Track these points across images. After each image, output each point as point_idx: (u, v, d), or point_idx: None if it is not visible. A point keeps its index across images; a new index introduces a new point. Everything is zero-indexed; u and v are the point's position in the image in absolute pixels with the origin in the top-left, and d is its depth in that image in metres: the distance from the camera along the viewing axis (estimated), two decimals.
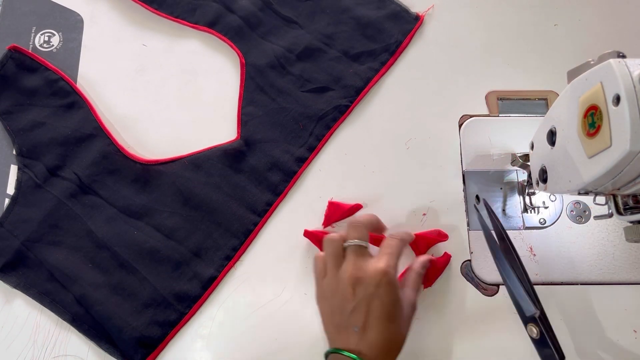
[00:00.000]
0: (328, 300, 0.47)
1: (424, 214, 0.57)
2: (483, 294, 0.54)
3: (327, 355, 0.45)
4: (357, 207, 0.57)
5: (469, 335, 0.53)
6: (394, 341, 0.44)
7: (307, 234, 0.55)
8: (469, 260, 0.55)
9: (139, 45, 0.66)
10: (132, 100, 0.63)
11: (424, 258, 0.52)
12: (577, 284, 0.54)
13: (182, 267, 0.55)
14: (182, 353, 0.53)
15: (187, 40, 0.66)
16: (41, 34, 0.65)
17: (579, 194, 0.42)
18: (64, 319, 0.53)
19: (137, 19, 0.67)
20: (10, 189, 0.58)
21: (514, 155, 0.57)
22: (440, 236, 0.55)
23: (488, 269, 0.55)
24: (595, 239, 0.56)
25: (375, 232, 0.54)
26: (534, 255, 0.55)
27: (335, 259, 0.47)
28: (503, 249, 0.49)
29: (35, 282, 0.54)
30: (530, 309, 0.45)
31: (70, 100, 0.61)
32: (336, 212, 0.56)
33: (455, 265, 0.55)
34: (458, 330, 0.53)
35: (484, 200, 0.51)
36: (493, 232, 0.51)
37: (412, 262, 0.52)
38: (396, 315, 0.45)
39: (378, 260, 0.46)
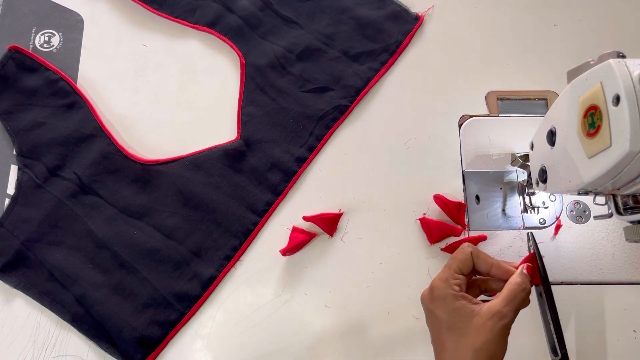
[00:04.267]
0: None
1: (424, 214, 0.57)
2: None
3: None
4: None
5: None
6: (458, 353, 0.41)
7: (307, 218, 0.56)
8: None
9: (139, 45, 0.66)
10: (132, 100, 0.63)
11: (522, 269, 0.45)
12: (577, 284, 0.54)
13: (182, 267, 0.55)
14: (182, 353, 0.53)
15: (187, 40, 0.66)
16: (41, 34, 0.65)
17: (579, 194, 0.42)
18: (64, 319, 0.53)
19: (137, 19, 0.67)
20: (10, 189, 0.58)
21: (514, 155, 0.57)
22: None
23: None
24: (595, 239, 0.56)
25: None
26: None
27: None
28: (544, 285, 0.49)
29: (35, 282, 0.54)
30: (556, 350, 0.46)
31: (70, 100, 0.61)
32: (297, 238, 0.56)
33: None
34: None
35: (531, 233, 0.50)
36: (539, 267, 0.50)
37: (513, 276, 0.45)
38: (456, 326, 0.42)
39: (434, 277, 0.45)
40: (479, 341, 0.41)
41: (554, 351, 0.46)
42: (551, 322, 0.47)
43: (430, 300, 0.44)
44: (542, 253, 0.55)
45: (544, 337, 0.48)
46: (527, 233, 0.50)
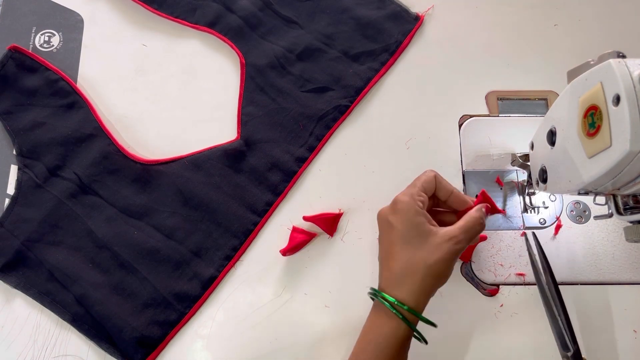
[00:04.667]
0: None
1: None
2: (483, 294, 0.54)
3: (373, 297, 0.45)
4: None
5: (469, 335, 0.53)
6: (412, 264, 0.43)
7: (307, 218, 0.56)
8: (470, 261, 0.55)
9: (139, 45, 0.66)
10: (132, 100, 0.63)
11: (481, 206, 0.47)
12: (577, 284, 0.54)
13: (182, 267, 0.55)
14: (182, 353, 0.53)
15: (187, 40, 0.66)
16: (41, 34, 0.65)
17: (579, 194, 0.42)
18: (64, 319, 0.53)
19: (137, 19, 0.67)
20: (10, 189, 0.58)
21: (514, 155, 0.57)
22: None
23: (488, 270, 0.55)
24: (595, 239, 0.56)
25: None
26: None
27: None
28: (548, 282, 0.49)
29: (35, 282, 0.54)
30: (567, 346, 0.46)
31: (70, 100, 0.61)
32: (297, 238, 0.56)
33: (455, 265, 0.55)
34: (458, 331, 0.53)
35: (533, 233, 0.51)
36: (539, 265, 0.51)
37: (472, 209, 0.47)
38: (413, 240, 0.44)
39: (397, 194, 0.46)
40: (433, 258, 0.43)
41: (564, 347, 0.46)
42: (559, 318, 0.47)
43: (392, 212, 0.45)
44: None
45: (551, 335, 0.48)
46: (532, 232, 0.51)
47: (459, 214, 0.48)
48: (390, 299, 0.43)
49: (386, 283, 0.44)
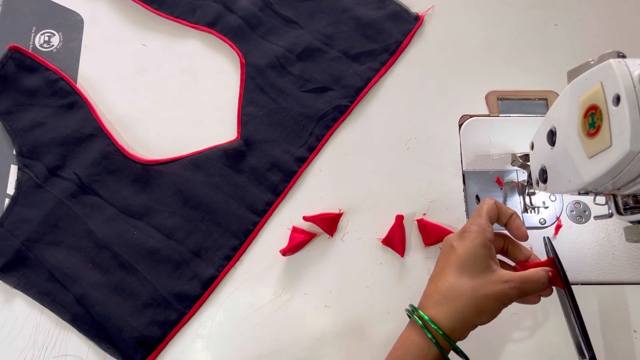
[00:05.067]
0: None
1: (424, 214, 0.57)
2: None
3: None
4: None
5: (469, 335, 0.53)
6: (456, 288, 0.42)
7: (307, 218, 0.56)
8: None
9: (139, 45, 0.66)
10: (132, 100, 0.63)
11: (544, 273, 0.45)
12: (577, 284, 0.54)
13: (182, 267, 0.55)
14: (182, 353, 0.53)
15: (187, 40, 0.66)
16: (41, 34, 0.65)
17: (579, 194, 0.42)
18: (64, 319, 0.53)
19: (137, 19, 0.67)
20: (10, 189, 0.58)
21: (514, 155, 0.57)
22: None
23: None
24: (595, 239, 0.56)
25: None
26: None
27: None
28: (564, 289, 0.49)
29: (35, 282, 0.54)
30: (583, 352, 0.46)
31: (70, 100, 0.61)
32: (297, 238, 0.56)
33: None
34: None
35: (548, 238, 0.51)
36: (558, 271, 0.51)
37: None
38: (468, 269, 0.42)
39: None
40: (482, 291, 0.42)
41: (580, 353, 0.46)
42: (576, 325, 0.47)
43: (458, 238, 0.44)
44: (542, 253, 0.55)
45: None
46: (544, 237, 0.50)
47: (517, 268, 0.47)
48: (425, 317, 0.42)
49: (426, 300, 0.43)
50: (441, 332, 0.41)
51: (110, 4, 0.68)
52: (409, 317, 0.44)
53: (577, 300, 0.54)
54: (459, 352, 0.43)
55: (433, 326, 0.42)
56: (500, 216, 0.47)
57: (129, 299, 0.54)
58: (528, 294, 0.44)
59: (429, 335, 0.41)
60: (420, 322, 0.42)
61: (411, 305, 0.44)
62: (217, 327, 0.54)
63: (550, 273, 0.45)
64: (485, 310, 0.42)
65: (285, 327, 0.53)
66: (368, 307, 0.54)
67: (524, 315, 0.53)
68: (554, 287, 0.48)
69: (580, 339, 0.46)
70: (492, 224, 0.45)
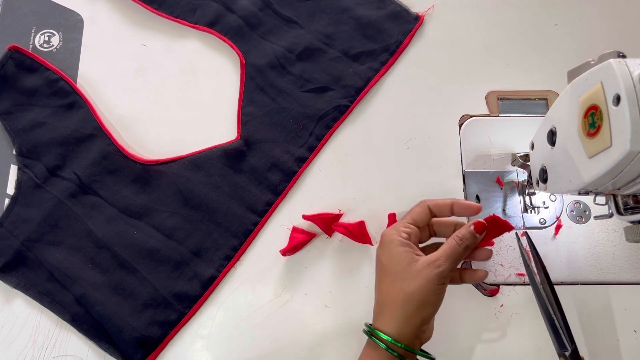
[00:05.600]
0: None
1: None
2: (483, 294, 0.54)
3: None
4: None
5: (469, 335, 0.53)
6: (389, 294, 0.44)
7: (307, 217, 0.56)
8: (470, 261, 0.55)
9: (139, 45, 0.66)
10: (132, 100, 0.63)
11: (469, 226, 0.46)
12: (577, 284, 0.54)
13: (182, 267, 0.55)
14: (182, 353, 0.53)
15: (187, 40, 0.66)
16: (41, 34, 0.65)
17: (579, 194, 0.42)
18: (64, 319, 0.53)
19: (137, 19, 0.67)
20: (10, 189, 0.58)
21: (514, 155, 0.57)
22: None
23: (488, 270, 0.55)
24: (595, 239, 0.56)
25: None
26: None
27: None
28: (542, 281, 0.50)
29: (35, 282, 0.54)
30: (564, 345, 0.47)
31: (70, 100, 0.61)
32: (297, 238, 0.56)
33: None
34: (458, 331, 0.53)
35: (526, 233, 0.51)
36: (532, 265, 0.51)
37: (460, 229, 0.47)
38: (392, 270, 0.44)
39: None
40: (412, 286, 0.43)
41: (562, 346, 0.46)
42: (555, 318, 0.47)
43: (379, 247, 0.47)
44: (543, 253, 0.55)
45: (547, 337, 0.48)
46: (521, 232, 0.51)
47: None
48: (368, 327, 0.44)
49: (374, 315, 0.46)
50: (388, 338, 0.42)
51: (110, 4, 0.68)
52: (366, 334, 0.45)
53: (577, 301, 0.54)
54: (421, 353, 0.44)
55: (381, 336, 0.43)
56: (439, 210, 0.48)
57: (129, 299, 0.54)
58: (460, 258, 0.45)
59: (383, 346, 0.42)
60: (372, 337, 0.43)
61: (365, 324, 0.46)
62: (217, 327, 0.54)
63: (472, 227, 0.45)
64: (424, 300, 0.43)
65: (285, 327, 0.53)
66: (368, 307, 0.54)
67: (524, 315, 0.53)
68: (531, 287, 0.49)
69: (562, 331, 0.47)
70: (420, 225, 0.47)
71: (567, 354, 0.46)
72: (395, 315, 0.43)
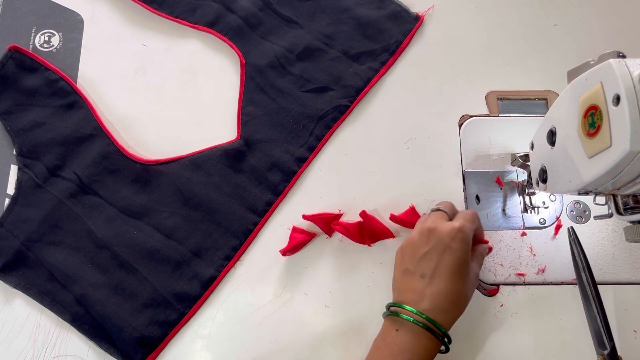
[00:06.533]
0: (403, 249, 0.48)
1: (425, 214, 0.57)
2: (483, 294, 0.54)
3: (388, 307, 0.46)
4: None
5: (469, 335, 0.53)
6: (460, 295, 0.44)
7: (307, 217, 0.56)
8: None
9: (139, 45, 0.66)
10: (132, 100, 0.63)
11: (486, 246, 0.52)
12: (577, 284, 0.54)
13: (182, 267, 0.55)
14: (182, 353, 0.53)
15: (187, 40, 0.66)
16: (41, 34, 0.65)
17: (579, 194, 0.42)
18: (64, 319, 0.53)
19: (137, 19, 0.67)
20: (10, 189, 0.58)
21: (514, 155, 0.57)
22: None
23: (488, 270, 0.55)
24: (595, 239, 0.56)
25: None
26: (534, 255, 0.55)
27: (423, 219, 0.50)
28: (587, 279, 0.50)
29: (35, 282, 0.54)
30: (604, 344, 0.47)
31: (70, 100, 0.61)
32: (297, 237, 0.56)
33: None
34: (458, 330, 0.53)
35: (571, 228, 0.51)
36: (580, 261, 0.51)
37: (477, 245, 0.51)
38: (465, 272, 0.45)
39: (455, 221, 0.47)
40: (469, 292, 0.46)
41: (601, 345, 0.47)
42: (598, 316, 0.47)
43: (453, 238, 0.45)
44: (542, 253, 0.55)
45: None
46: (568, 228, 0.51)
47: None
48: (434, 322, 0.43)
49: (430, 304, 0.43)
50: (445, 331, 0.43)
51: (110, 4, 0.68)
52: (398, 317, 0.44)
53: (577, 300, 0.54)
54: (446, 345, 0.45)
55: (443, 331, 0.43)
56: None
57: (129, 299, 0.54)
58: (481, 263, 0.50)
59: (439, 339, 0.43)
60: (432, 329, 0.43)
61: (402, 307, 0.44)
62: (217, 327, 0.54)
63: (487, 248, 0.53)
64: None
65: (285, 327, 0.53)
66: (368, 307, 0.54)
67: (524, 315, 0.53)
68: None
69: (602, 330, 0.47)
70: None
71: (605, 353, 0.46)
72: (454, 317, 0.45)
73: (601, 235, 0.56)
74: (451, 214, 0.49)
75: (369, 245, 0.56)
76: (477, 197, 0.58)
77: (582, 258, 0.49)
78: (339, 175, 0.59)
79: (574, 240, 0.50)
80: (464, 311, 0.45)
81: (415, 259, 0.46)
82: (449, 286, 0.44)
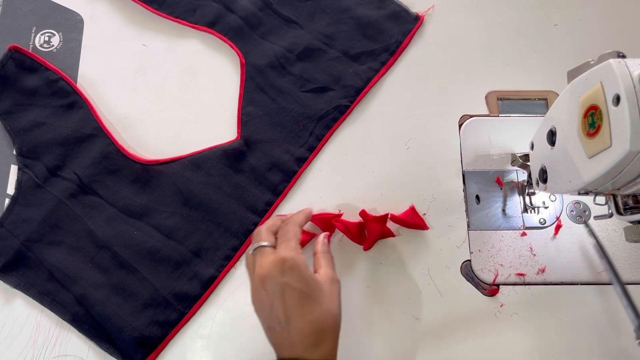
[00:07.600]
0: (254, 308, 0.45)
1: (424, 214, 0.57)
2: (483, 294, 0.54)
3: None
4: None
5: (468, 335, 0.53)
6: (323, 320, 0.42)
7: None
8: (469, 261, 0.55)
9: (139, 45, 0.66)
10: (132, 100, 0.63)
11: (321, 237, 0.50)
12: (577, 284, 0.54)
13: (182, 267, 0.55)
14: (182, 353, 0.53)
15: (187, 40, 0.66)
16: (41, 34, 0.65)
17: (579, 194, 0.42)
18: (64, 319, 0.53)
19: (137, 19, 0.67)
20: (10, 189, 0.58)
21: (514, 155, 0.57)
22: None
23: (488, 270, 0.55)
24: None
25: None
26: (534, 255, 0.55)
27: (249, 270, 0.46)
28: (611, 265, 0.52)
29: (35, 282, 0.54)
30: (635, 321, 0.48)
31: (70, 100, 0.61)
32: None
33: (455, 265, 0.55)
34: (458, 330, 0.53)
35: (588, 224, 0.52)
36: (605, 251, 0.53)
37: (314, 245, 0.49)
38: (315, 295, 0.42)
39: (276, 252, 0.44)
40: (334, 306, 0.43)
41: (632, 319, 0.49)
42: (629, 304, 0.49)
43: (282, 273, 0.42)
44: (542, 253, 0.55)
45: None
46: (586, 223, 0.52)
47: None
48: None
49: (301, 348, 0.41)
50: None
51: (110, 4, 0.68)
52: None
53: (577, 300, 0.54)
54: None
55: None
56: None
57: (129, 299, 0.54)
58: (330, 261, 0.47)
59: None
60: None
61: None
62: (217, 327, 0.54)
63: (327, 239, 0.50)
64: (340, 314, 0.44)
65: None
66: (368, 307, 0.54)
67: (524, 315, 0.53)
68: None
69: (631, 309, 0.49)
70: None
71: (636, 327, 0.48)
72: (333, 342, 0.42)
73: (601, 235, 0.56)
74: (274, 235, 0.47)
75: (365, 249, 0.56)
76: (477, 197, 0.58)
77: (602, 249, 0.50)
78: (339, 175, 0.59)
79: (590, 233, 0.52)
80: (340, 324, 0.43)
81: (265, 313, 0.43)
82: (307, 320, 0.41)
